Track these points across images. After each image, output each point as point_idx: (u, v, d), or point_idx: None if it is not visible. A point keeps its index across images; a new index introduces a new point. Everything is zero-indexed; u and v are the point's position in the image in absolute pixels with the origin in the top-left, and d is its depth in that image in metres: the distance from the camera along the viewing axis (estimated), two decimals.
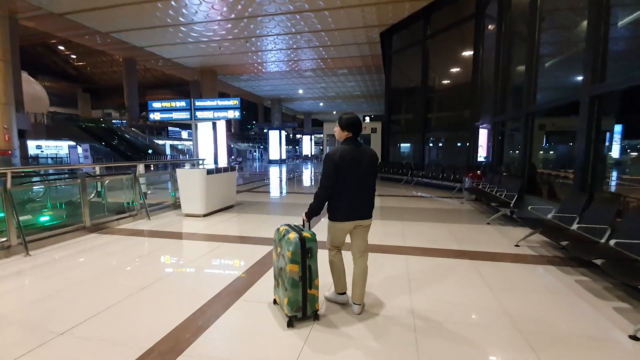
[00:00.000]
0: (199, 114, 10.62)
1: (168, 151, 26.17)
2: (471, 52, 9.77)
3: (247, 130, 52.28)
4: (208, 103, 10.64)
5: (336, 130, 2.56)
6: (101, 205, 6.53)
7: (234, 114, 10.47)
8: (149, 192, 8.60)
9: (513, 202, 5.61)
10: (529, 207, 4.98)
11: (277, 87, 24.95)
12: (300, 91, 26.68)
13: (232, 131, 46.36)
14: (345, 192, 2.43)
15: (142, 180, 8.48)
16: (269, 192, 10.39)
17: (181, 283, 3.27)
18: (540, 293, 3.03)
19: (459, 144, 11.78)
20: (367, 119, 17.69)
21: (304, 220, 2.54)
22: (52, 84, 41.64)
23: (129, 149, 25.79)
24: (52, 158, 23.94)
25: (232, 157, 22.68)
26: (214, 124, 20.91)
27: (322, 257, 2.62)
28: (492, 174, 7.50)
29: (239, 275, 3.42)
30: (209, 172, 6.27)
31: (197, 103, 10.63)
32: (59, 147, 24.64)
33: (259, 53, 16.42)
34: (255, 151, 41.92)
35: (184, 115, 10.77)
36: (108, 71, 39.48)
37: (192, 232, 5.24)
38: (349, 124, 2.48)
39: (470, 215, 6.53)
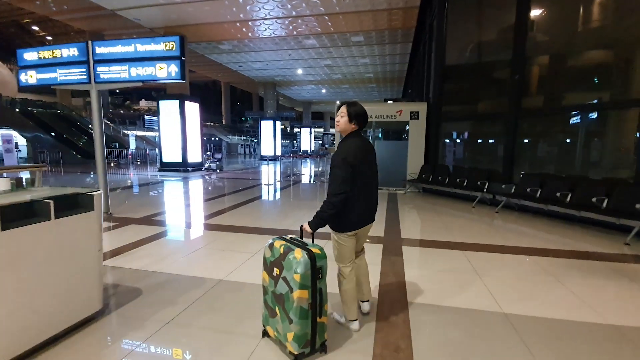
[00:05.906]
0: (103, 72, 5.53)
1: (133, 144, 20.67)
2: None
3: (242, 123, 46.88)
4: (119, 48, 5.50)
5: (341, 122, 2.12)
6: None
7: (169, 71, 5.35)
8: None
9: None
10: None
11: (270, 64, 19.65)
12: (300, 71, 21.40)
13: (224, 122, 41.05)
14: (360, 196, 2.05)
15: None
16: (239, 230, 5.23)
17: None
18: None
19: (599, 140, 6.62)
20: (390, 101, 12.63)
21: (302, 231, 2.03)
22: None
23: (84, 141, 20.57)
24: None
25: (208, 153, 17.28)
26: (182, 106, 15.39)
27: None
28: None
29: None
30: None
31: (99, 49, 5.52)
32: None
33: (240, 1, 11.14)
34: (247, 145, 36.69)
35: (78, 74, 5.64)
36: None
37: None
38: (360, 114, 2.10)
39: None
